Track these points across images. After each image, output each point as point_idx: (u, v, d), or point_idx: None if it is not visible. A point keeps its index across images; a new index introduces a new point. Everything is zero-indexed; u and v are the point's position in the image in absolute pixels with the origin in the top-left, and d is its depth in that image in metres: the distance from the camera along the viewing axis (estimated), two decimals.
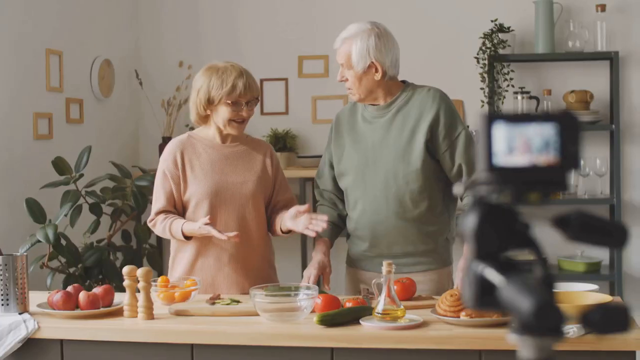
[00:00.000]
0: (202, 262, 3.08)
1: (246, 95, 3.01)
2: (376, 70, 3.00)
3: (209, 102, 3.02)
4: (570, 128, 1.10)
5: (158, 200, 3.09)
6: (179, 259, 3.13)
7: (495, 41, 4.66)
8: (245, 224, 3.07)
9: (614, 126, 4.61)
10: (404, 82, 3.11)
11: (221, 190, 3.04)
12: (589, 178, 4.67)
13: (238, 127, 3.06)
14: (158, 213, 3.08)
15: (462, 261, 2.98)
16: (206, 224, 2.91)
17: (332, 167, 3.18)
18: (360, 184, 3.05)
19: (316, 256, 3.07)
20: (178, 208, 3.09)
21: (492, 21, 4.73)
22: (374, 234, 3.05)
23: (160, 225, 3.05)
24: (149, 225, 3.11)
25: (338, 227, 3.21)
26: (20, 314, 2.75)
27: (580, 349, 2.30)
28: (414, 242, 3.04)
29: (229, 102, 2.99)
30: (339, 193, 3.20)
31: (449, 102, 3.04)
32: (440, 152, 3.00)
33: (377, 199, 3.02)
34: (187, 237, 3.02)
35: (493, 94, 4.66)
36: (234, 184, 3.06)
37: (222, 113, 3.02)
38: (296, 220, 2.95)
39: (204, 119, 3.11)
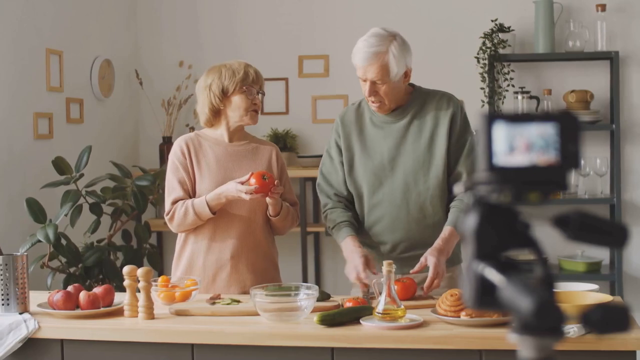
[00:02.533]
0: (204, 261, 3.09)
1: (257, 82, 3.10)
2: (405, 76, 3.00)
3: (224, 94, 3.06)
4: (570, 128, 1.10)
5: (173, 190, 3.09)
6: (182, 258, 3.14)
7: (496, 41, 4.66)
8: (249, 222, 3.08)
9: (614, 126, 4.61)
10: (411, 85, 3.10)
11: None
12: (589, 178, 4.67)
13: (255, 116, 3.12)
14: (175, 202, 3.07)
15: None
16: (240, 182, 2.95)
17: (343, 170, 3.12)
18: (377, 189, 3.02)
19: (354, 250, 2.93)
20: (192, 197, 3.09)
21: (492, 21, 4.73)
22: (392, 239, 3.03)
23: (180, 210, 3.03)
24: (166, 218, 3.09)
25: (358, 224, 3.10)
26: (20, 313, 2.75)
27: (581, 349, 2.30)
28: (431, 244, 3.02)
29: (244, 88, 3.05)
30: (351, 196, 3.15)
31: (463, 108, 3.05)
32: (449, 154, 3.00)
33: (397, 205, 3.00)
34: (212, 213, 3.01)
35: (493, 93, 4.66)
36: None
37: (238, 103, 3.06)
38: None
39: (216, 118, 3.12)
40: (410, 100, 3.05)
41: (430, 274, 2.85)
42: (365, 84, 2.96)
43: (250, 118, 3.10)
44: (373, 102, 2.99)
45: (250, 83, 3.07)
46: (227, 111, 3.10)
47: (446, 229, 2.96)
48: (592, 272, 4.57)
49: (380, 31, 2.97)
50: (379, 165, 3.02)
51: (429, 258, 2.88)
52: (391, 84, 2.94)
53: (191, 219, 3.03)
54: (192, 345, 2.58)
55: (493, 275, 1.09)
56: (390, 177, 3.01)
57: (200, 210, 3.00)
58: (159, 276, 3.05)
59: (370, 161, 3.03)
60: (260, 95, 3.11)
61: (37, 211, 3.84)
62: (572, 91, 4.63)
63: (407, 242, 3.03)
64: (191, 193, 3.09)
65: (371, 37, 2.95)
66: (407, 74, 2.99)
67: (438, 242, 2.93)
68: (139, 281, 2.70)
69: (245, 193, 2.92)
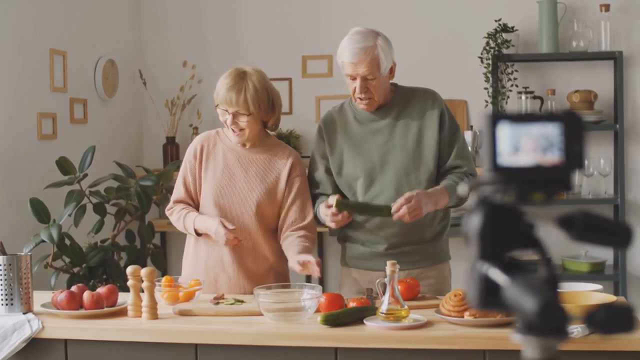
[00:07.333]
0: (206, 264, 3.08)
1: (233, 106, 2.96)
2: (391, 71, 3.03)
3: (215, 103, 3.06)
4: (574, 128, 1.10)
5: (177, 189, 3.14)
6: (187, 261, 3.16)
7: (499, 41, 4.66)
8: (250, 231, 3.04)
9: (618, 126, 4.60)
10: (393, 84, 3.13)
11: (227, 195, 3.04)
12: (593, 178, 4.67)
13: (233, 135, 3.04)
14: (176, 202, 3.12)
15: None
16: (222, 225, 2.93)
17: (329, 173, 3.13)
18: (370, 186, 3.03)
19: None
20: (195, 200, 3.12)
21: (496, 21, 4.73)
22: (386, 234, 3.04)
23: (176, 215, 3.10)
24: (167, 213, 3.15)
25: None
26: (24, 313, 2.75)
27: (585, 349, 2.30)
28: (425, 240, 3.06)
29: (217, 105, 3.02)
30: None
31: (446, 103, 3.10)
32: (440, 148, 3.01)
33: (391, 199, 2.98)
34: (198, 234, 3.05)
35: (497, 93, 4.66)
36: (241, 190, 3.05)
37: (220, 116, 3.05)
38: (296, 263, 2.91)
39: None
40: (393, 98, 3.08)
41: (400, 199, 2.85)
42: (354, 82, 2.98)
43: (231, 134, 3.04)
44: (362, 99, 2.99)
45: (220, 102, 2.98)
46: None
47: (437, 187, 2.97)
48: (595, 273, 4.57)
49: (362, 29, 3.01)
50: (369, 162, 3.04)
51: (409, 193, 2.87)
52: (381, 79, 2.97)
53: (181, 228, 3.10)
54: (196, 345, 2.59)
55: (497, 275, 1.08)
56: (382, 174, 3.03)
57: (188, 227, 3.05)
58: (162, 276, 3.05)
59: (359, 158, 3.04)
60: (236, 117, 2.96)
61: (40, 211, 3.84)
62: (576, 91, 4.63)
63: (401, 237, 3.04)
64: (194, 194, 3.11)
65: (355, 34, 2.99)
66: (392, 70, 3.04)
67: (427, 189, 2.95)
68: (142, 281, 2.70)
69: (226, 239, 2.92)
